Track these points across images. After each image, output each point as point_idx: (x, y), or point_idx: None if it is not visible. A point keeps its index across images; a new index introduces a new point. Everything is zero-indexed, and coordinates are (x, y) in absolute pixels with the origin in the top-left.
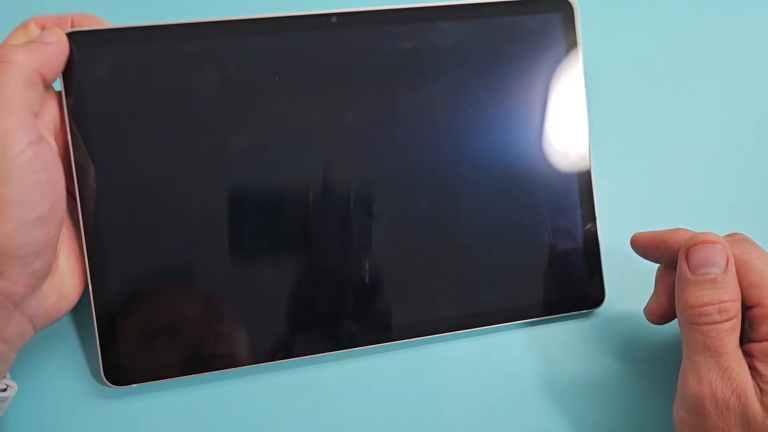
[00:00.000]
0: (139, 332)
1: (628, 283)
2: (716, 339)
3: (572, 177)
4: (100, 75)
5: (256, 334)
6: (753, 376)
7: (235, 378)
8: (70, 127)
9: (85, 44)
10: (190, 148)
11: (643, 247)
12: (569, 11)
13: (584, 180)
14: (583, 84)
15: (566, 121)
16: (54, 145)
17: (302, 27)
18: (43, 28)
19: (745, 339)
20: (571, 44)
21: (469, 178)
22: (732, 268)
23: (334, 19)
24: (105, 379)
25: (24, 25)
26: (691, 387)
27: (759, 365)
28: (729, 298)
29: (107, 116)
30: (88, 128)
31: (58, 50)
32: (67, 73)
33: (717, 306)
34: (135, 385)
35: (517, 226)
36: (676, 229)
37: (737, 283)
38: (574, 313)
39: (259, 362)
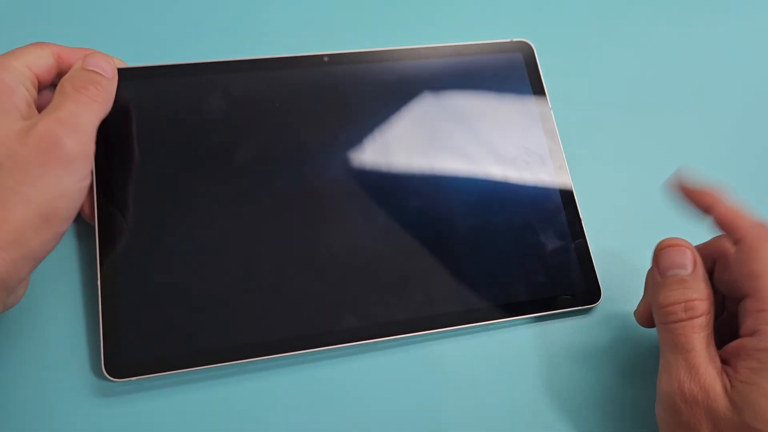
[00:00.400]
0: (143, 323)
1: (627, 284)
2: (683, 336)
3: (554, 186)
4: (121, 105)
5: (262, 328)
6: (727, 372)
7: (238, 374)
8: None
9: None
10: (198, 163)
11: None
12: (529, 50)
13: (565, 187)
14: (549, 106)
15: (540, 138)
16: None
17: (300, 64)
18: (59, 57)
19: (734, 335)
20: (535, 76)
21: (459, 189)
22: (700, 269)
23: (326, 59)
24: (105, 372)
25: (41, 46)
26: (664, 384)
27: (735, 360)
28: (696, 296)
29: (123, 142)
30: (105, 153)
31: (115, 87)
32: None
33: (683, 305)
34: (135, 378)
35: (508, 229)
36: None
37: (708, 283)
38: (573, 309)
39: (261, 356)
